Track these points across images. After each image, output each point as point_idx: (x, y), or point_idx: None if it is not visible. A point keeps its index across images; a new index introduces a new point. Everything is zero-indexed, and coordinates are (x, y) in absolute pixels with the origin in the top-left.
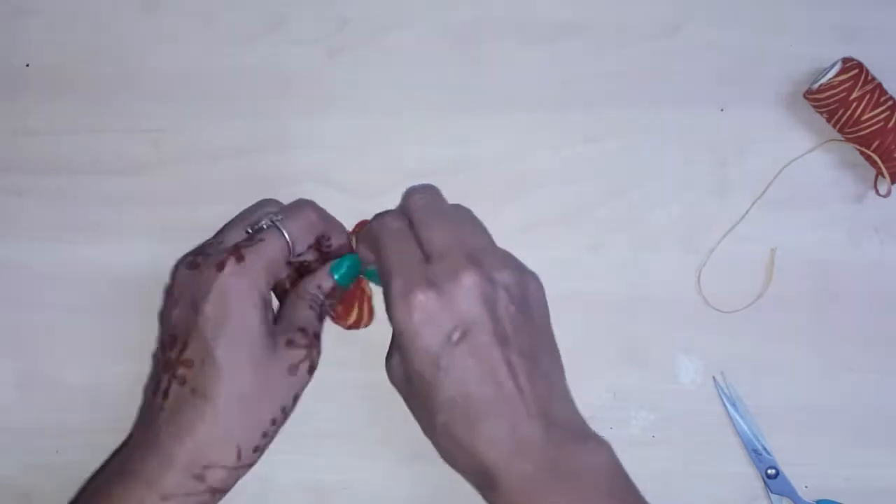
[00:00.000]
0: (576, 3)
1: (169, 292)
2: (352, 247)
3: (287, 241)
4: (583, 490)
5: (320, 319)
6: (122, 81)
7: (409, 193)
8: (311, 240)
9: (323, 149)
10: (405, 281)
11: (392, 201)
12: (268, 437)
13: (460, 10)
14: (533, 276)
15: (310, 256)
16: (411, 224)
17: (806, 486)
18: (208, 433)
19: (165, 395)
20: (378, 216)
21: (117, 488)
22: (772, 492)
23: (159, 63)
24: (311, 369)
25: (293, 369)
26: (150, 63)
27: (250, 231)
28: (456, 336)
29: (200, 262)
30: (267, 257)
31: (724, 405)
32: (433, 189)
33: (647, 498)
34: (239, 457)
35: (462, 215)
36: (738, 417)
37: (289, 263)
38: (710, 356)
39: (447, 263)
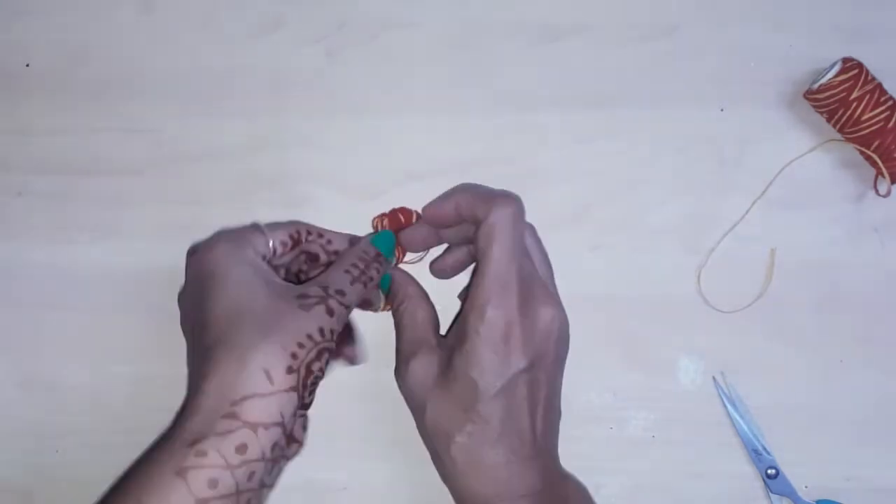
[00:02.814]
0: (576, 3)
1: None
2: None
3: (261, 228)
4: None
5: (354, 284)
6: (122, 81)
7: (515, 198)
8: (287, 232)
9: (323, 149)
10: (503, 298)
11: (392, 201)
12: (298, 359)
13: (460, 11)
14: (567, 321)
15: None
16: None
17: (806, 486)
18: (226, 366)
19: (196, 373)
20: (500, 208)
21: (152, 451)
22: (772, 492)
23: (159, 63)
24: (331, 312)
25: (305, 305)
26: (149, 63)
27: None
28: (523, 365)
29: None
30: (247, 235)
31: (724, 405)
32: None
33: (648, 498)
34: (271, 380)
35: (537, 238)
36: (738, 417)
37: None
38: (710, 356)
39: (538, 291)
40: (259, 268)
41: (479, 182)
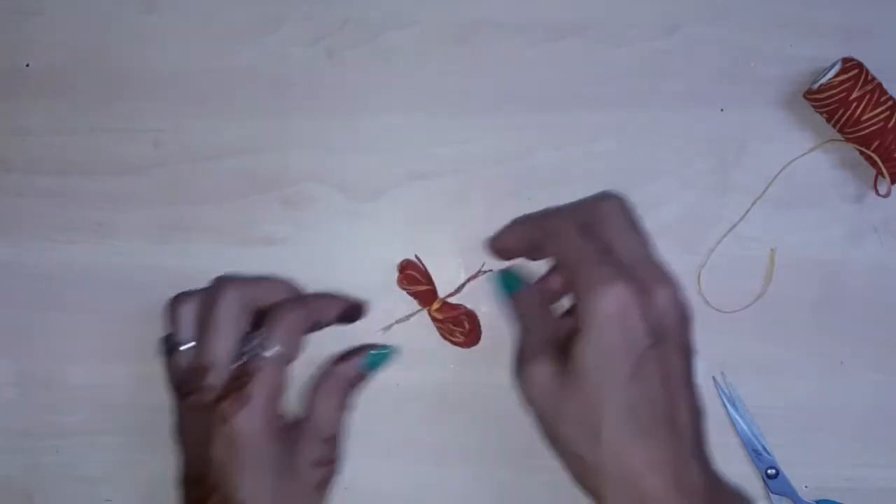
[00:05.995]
0: (576, 3)
1: (177, 434)
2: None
3: (284, 364)
4: None
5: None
6: (122, 81)
7: (601, 199)
8: (302, 339)
9: (323, 149)
10: (607, 270)
11: (392, 201)
12: None
13: (460, 11)
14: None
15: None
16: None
17: (806, 486)
18: None
19: None
20: (554, 215)
21: None
22: (772, 492)
23: (159, 63)
24: (336, 475)
25: (321, 486)
26: (150, 63)
27: (241, 362)
28: (650, 340)
29: (197, 402)
30: (269, 387)
31: (724, 405)
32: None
33: None
34: None
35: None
36: (738, 417)
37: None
38: (710, 356)
39: (648, 269)
40: (276, 445)
41: (479, 182)
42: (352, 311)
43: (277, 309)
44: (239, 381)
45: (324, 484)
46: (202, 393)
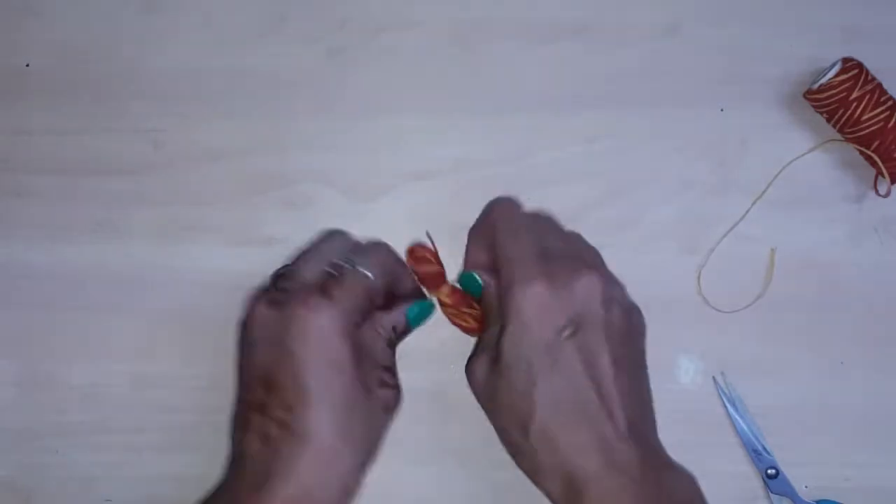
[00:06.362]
0: (576, 3)
1: (247, 331)
2: (420, 290)
3: (371, 281)
4: None
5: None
6: (122, 81)
7: (501, 203)
8: (385, 283)
9: (323, 149)
10: (525, 270)
11: (392, 201)
12: (367, 473)
13: (460, 11)
14: (638, 309)
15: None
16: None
17: (806, 486)
18: (313, 473)
19: (264, 439)
20: (498, 206)
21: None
22: (772, 492)
23: (159, 63)
24: (400, 404)
25: (388, 409)
26: (150, 63)
27: (331, 270)
28: (568, 331)
29: (282, 300)
30: (354, 294)
31: (724, 405)
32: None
33: None
34: (347, 495)
35: (575, 234)
36: (738, 417)
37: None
38: (710, 356)
39: (569, 262)
40: (352, 349)
41: (479, 182)
42: (418, 293)
43: (376, 244)
44: (327, 283)
45: (390, 407)
46: (292, 281)
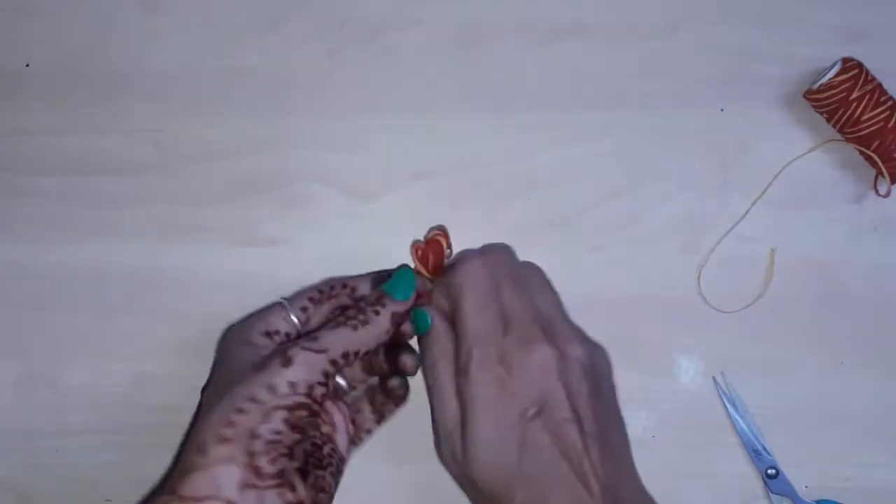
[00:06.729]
0: (576, 3)
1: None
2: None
3: (282, 303)
4: None
5: (337, 328)
6: (122, 81)
7: (486, 250)
8: (306, 296)
9: (323, 149)
10: (483, 354)
11: (392, 201)
12: (236, 426)
13: (460, 11)
14: (601, 350)
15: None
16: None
17: (806, 486)
18: (185, 449)
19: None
20: (463, 265)
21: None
22: (772, 492)
23: (159, 63)
24: (287, 362)
25: (258, 365)
26: (150, 63)
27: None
28: (532, 411)
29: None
30: (263, 314)
31: (724, 405)
32: (507, 248)
33: None
34: (204, 454)
35: (535, 279)
36: (738, 417)
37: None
38: (710, 356)
39: (521, 335)
40: (257, 346)
41: (479, 182)
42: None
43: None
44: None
45: (261, 366)
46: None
